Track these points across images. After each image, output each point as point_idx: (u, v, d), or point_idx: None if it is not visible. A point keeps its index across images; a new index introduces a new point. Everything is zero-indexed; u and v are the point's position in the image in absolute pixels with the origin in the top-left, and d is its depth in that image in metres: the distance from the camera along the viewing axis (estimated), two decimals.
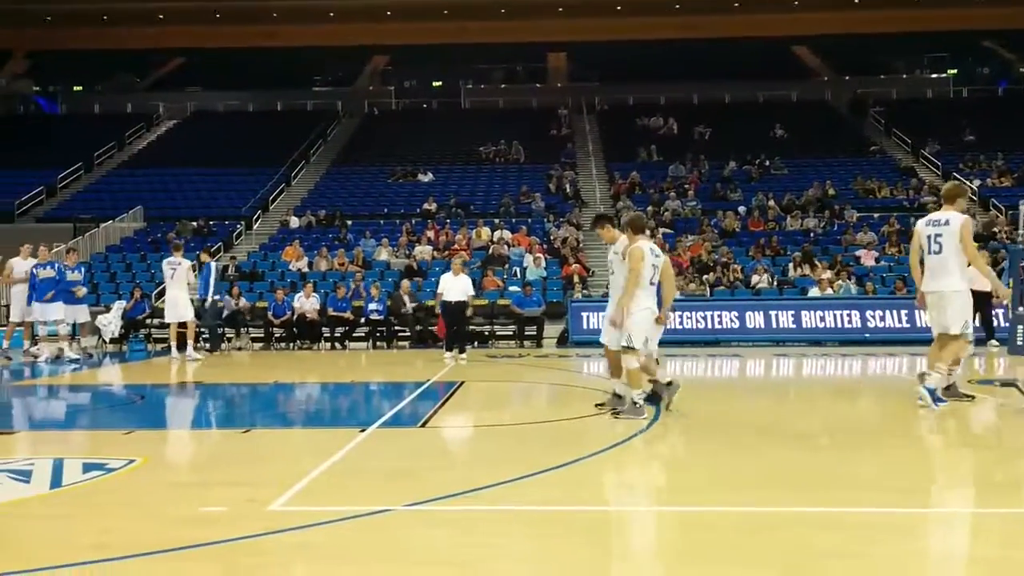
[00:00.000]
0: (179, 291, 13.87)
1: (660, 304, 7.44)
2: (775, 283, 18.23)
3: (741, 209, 23.32)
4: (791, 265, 18.92)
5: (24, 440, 6.84)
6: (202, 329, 15.12)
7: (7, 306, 14.97)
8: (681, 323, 16.08)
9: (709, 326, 16.15)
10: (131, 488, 5.02)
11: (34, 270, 13.50)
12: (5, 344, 13.79)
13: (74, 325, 14.52)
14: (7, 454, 6.12)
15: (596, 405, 7.58)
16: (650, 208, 23.26)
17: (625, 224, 7.71)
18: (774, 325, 16.11)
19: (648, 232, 7.90)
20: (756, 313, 16.24)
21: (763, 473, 5.38)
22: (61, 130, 32.85)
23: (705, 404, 9.18)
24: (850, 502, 4.54)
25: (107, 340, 15.87)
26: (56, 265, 13.98)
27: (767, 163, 27.12)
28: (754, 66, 35.39)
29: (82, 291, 14.23)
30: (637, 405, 7.01)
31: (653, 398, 7.50)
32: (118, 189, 27.42)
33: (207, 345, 15.08)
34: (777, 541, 3.89)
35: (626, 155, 28.60)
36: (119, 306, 16.17)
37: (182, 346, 13.70)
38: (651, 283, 7.24)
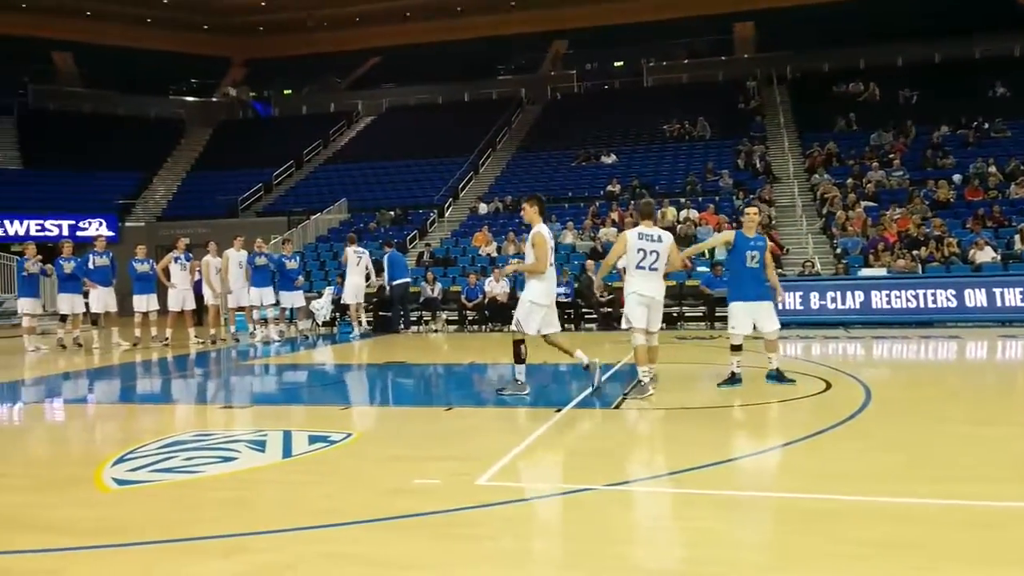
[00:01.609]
0: (361, 277, 15.91)
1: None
2: (999, 257, 16.57)
3: (956, 177, 21.35)
4: (1017, 237, 17.09)
5: (256, 414, 7.57)
6: (402, 312, 16.39)
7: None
8: (889, 302, 15.05)
9: (922, 305, 14.94)
10: (351, 459, 5.44)
11: (251, 259, 14.89)
12: (233, 328, 15.35)
13: (291, 309, 15.92)
14: (244, 426, 6.82)
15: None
16: (850, 180, 21.86)
17: (635, 209, 7.92)
18: (999, 303, 14.63)
19: (656, 217, 8.12)
20: (977, 290, 14.82)
21: (988, 464, 4.95)
22: (274, 131, 35.85)
23: (918, 388, 8.57)
24: None
25: (320, 323, 17.18)
26: (270, 254, 15.38)
27: (986, 126, 24.59)
28: (969, 20, 32.09)
29: (300, 280, 15.74)
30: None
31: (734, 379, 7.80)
32: (324, 183, 29.54)
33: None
34: (1011, 539, 3.58)
35: (822, 125, 26.98)
36: (329, 291, 17.44)
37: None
38: (639, 267, 7.41)
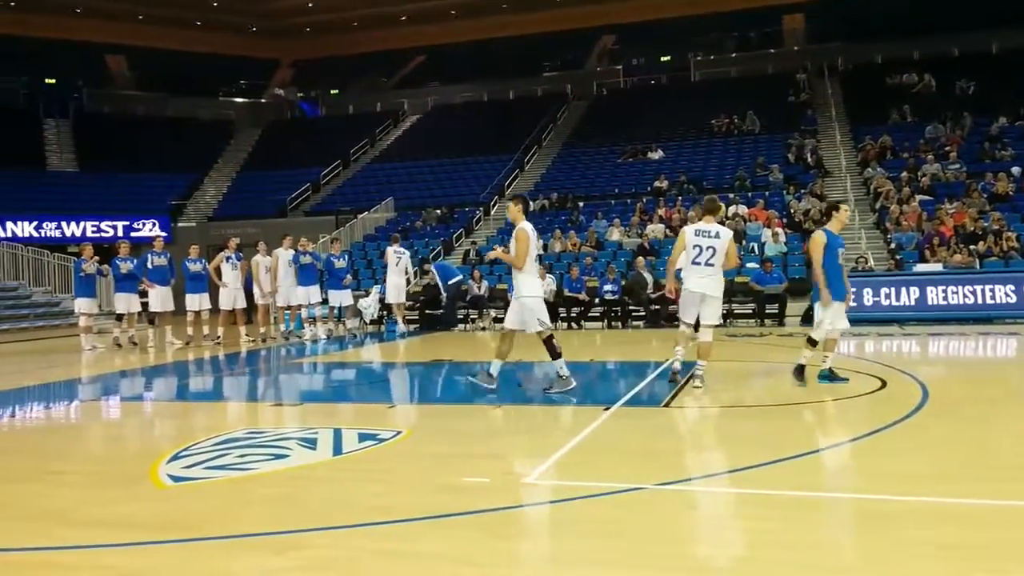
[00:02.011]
0: (401, 277, 16.14)
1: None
2: None
3: (1015, 170, 20.68)
4: None
5: (307, 412, 7.65)
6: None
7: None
8: (946, 298, 14.65)
9: (980, 301, 14.52)
10: (401, 457, 5.47)
11: (295, 258, 15.05)
12: (282, 327, 15.57)
13: (340, 308, 16.09)
14: (295, 424, 6.91)
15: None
16: (905, 174, 21.32)
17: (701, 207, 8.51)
18: None
19: (717, 214, 8.25)
20: None
21: None
22: (321, 131, 36.26)
23: (976, 387, 8.33)
24: None
25: (367, 321, 17.33)
26: (315, 253, 15.56)
27: None
28: None
29: (349, 279, 15.92)
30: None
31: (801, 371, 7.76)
32: (371, 182, 29.79)
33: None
34: None
35: (874, 118, 26.37)
36: (376, 290, 17.59)
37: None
38: (695, 262, 7.55)
